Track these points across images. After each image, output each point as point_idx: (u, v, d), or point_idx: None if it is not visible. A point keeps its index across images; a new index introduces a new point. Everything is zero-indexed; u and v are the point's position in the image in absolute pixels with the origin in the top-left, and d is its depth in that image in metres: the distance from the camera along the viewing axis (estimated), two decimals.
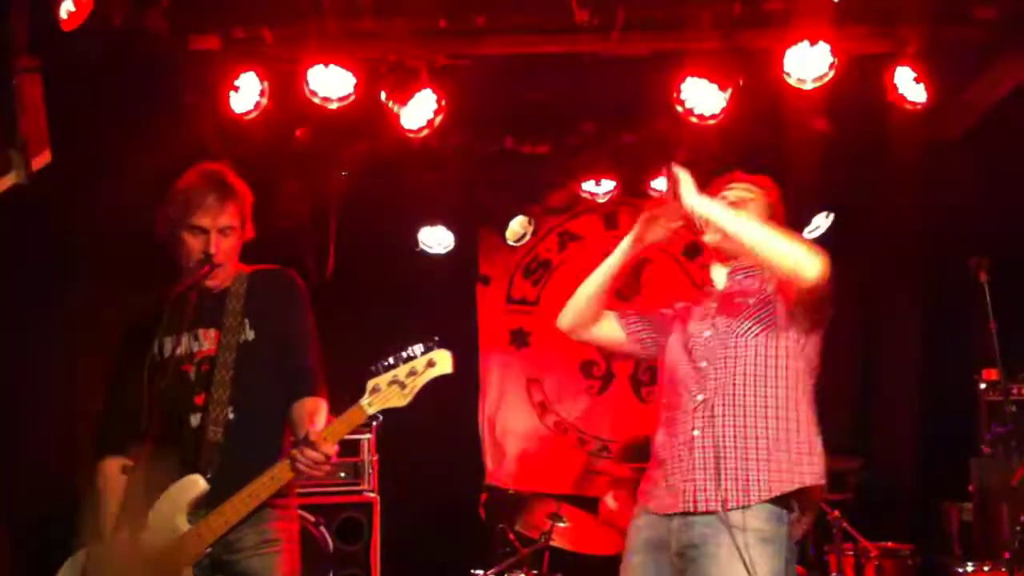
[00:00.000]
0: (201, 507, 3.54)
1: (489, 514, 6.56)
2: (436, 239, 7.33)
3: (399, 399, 3.52)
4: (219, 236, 3.69)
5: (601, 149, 6.71)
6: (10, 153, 4.70)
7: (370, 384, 3.53)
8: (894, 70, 5.59)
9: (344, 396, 3.68)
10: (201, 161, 3.96)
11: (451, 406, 7.46)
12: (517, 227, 7.37)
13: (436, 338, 3.59)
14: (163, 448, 3.35)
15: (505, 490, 7.23)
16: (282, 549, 3.64)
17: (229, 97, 5.59)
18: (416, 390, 3.54)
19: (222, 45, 5.62)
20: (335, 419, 3.55)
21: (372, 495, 6.33)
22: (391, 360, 3.55)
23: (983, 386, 6.04)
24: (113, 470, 3.65)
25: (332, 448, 3.48)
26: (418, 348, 3.55)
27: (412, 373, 3.53)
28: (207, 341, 3.69)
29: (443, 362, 3.56)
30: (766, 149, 6.40)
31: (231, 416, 3.62)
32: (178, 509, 3.52)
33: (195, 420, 3.63)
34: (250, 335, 3.71)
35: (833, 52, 5.34)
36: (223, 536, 3.51)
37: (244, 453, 3.58)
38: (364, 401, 3.52)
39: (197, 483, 3.53)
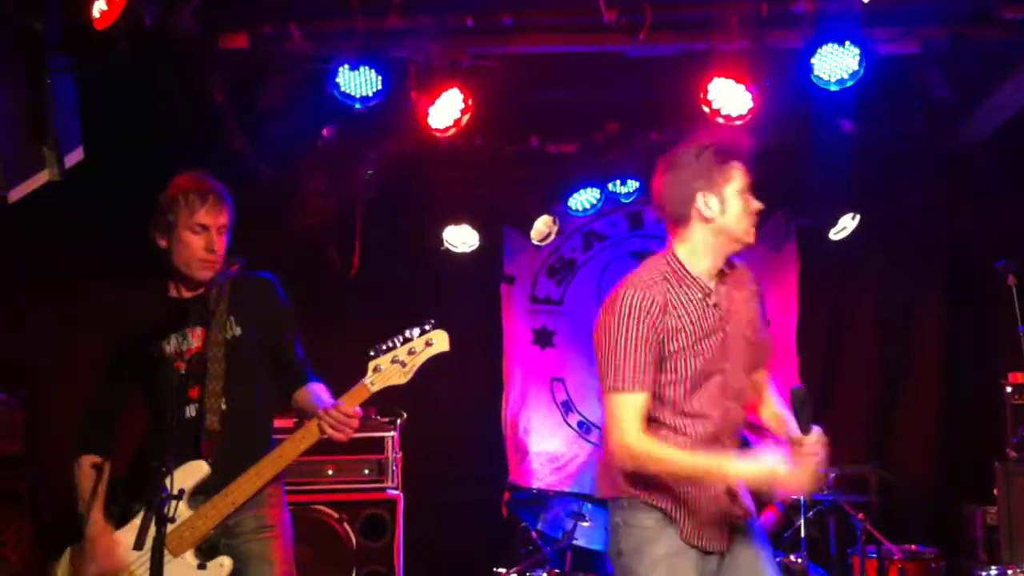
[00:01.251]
0: (201, 492, 3.72)
1: (512, 512, 6.58)
2: (461, 238, 7.34)
3: (400, 377, 3.76)
4: (218, 234, 3.88)
5: (627, 149, 6.70)
6: (44, 150, 4.75)
7: (371, 364, 3.76)
8: (920, 72, 5.58)
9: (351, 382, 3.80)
10: (231, 158, 4.06)
11: (475, 404, 7.49)
12: (542, 226, 7.37)
13: (433, 320, 3.81)
14: (161, 441, 3.50)
15: (528, 489, 7.25)
16: (278, 535, 3.85)
17: (258, 95, 5.63)
18: (416, 368, 3.77)
19: (251, 43, 5.66)
20: (341, 397, 3.77)
21: (396, 492, 6.35)
22: (390, 342, 3.77)
23: (1009, 389, 6.01)
24: (90, 465, 3.84)
25: (355, 408, 3.70)
26: (416, 330, 3.78)
27: (411, 352, 3.76)
28: (195, 339, 3.85)
29: (440, 341, 3.79)
30: (793, 150, 6.40)
31: (225, 406, 3.78)
32: (182, 496, 3.61)
33: (190, 411, 3.80)
34: (237, 331, 3.89)
35: (861, 53, 5.33)
36: (225, 519, 3.72)
37: (240, 440, 3.79)
38: (367, 380, 3.75)
39: (202, 468, 3.71)
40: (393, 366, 3.75)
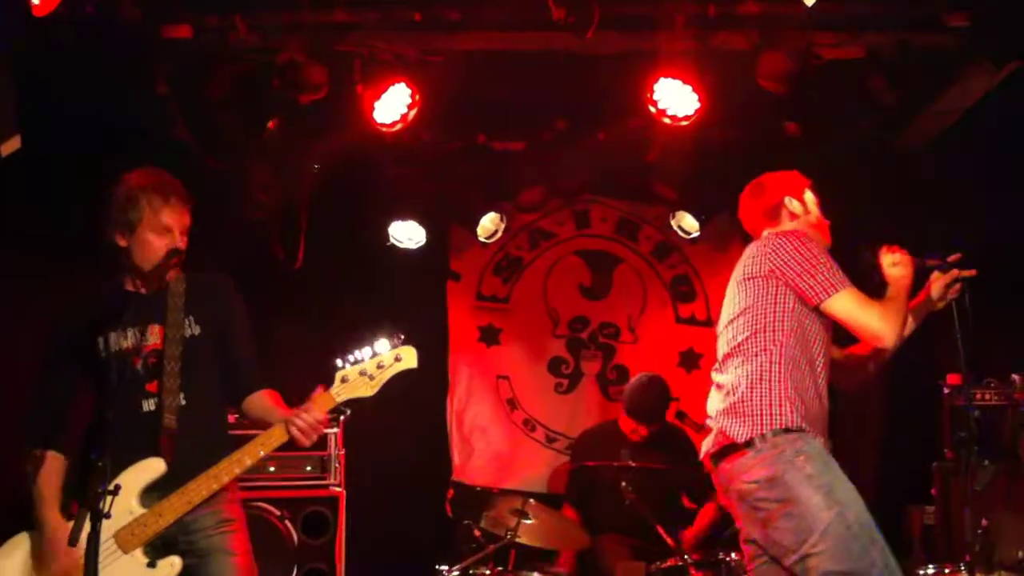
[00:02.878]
0: (155, 489, 3.70)
1: (455, 510, 6.57)
2: (407, 234, 7.31)
3: (366, 389, 3.79)
4: (181, 236, 3.88)
5: (574, 147, 6.70)
6: None
7: (339, 375, 3.78)
8: (863, 76, 5.64)
9: (310, 385, 3.85)
10: (174, 151, 4.02)
11: (419, 402, 7.45)
12: (489, 223, 7.36)
13: (402, 336, 3.83)
14: (117, 434, 3.45)
15: (472, 486, 7.24)
16: (237, 528, 3.86)
17: (201, 87, 5.58)
18: (383, 382, 3.80)
19: (194, 34, 5.60)
20: (306, 403, 3.78)
21: (338, 489, 6.31)
22: (359, 354, 3.79)
23: (947, 391, 6.09)
24: (42, 460, 3.80)
25: (323, 415, 3.75)
26: (386, 344, 3.80)
27: (380, 366, 3.79)
28: (152, 336, 3.83)
29: (409, 358, 3.83)
30: (738, 149, 6.43)
31: (183, 402, 3.78)
32: (131, 491, 3.66)
33: (148, 405, 3.78)
34: (196, 330, 3.89)
35: (805, 57, 5.38)
36: (180, 518, 3.69)
37: (196, 438, 3.79)
38: (333, 390, 3.77)
39: (158, 466, 3.70)
40: (360, 378, 3.77)
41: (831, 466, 3.90)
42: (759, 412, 3.90)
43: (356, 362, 3.77)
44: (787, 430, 3.87)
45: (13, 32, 4.72)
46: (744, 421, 3.92)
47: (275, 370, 4.06)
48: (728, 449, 3.98)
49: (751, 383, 3.95)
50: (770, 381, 3.93)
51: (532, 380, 7.81)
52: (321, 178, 6.83)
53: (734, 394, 3.99)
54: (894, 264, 4.14)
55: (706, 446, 4.12)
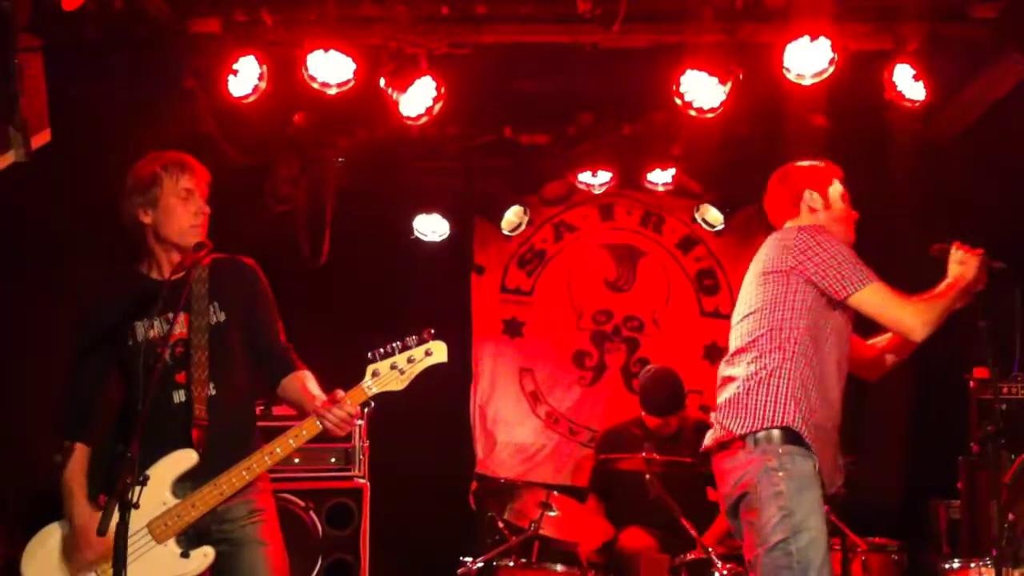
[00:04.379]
0: (187, 480, 3.73)
1: (479, 502, 6.58)
2: (431, 227, 7.33)
3: (397, 383, 3.79)
4: (202, 198, 3.90)
5: (599, 140, 6.70)
6: (9, 131, 4.70)
7: (370, 368, 3.78)
8: (893, 67, 5.61)
9: (337, 378, 3.86)
10: (201, 145, 4.04)
11: (443, 394, 7.46)
12: (513, 216, 7.37)
13: (432, 330, 3.84)
14: (147, 426, 3.45)
15: (495, 479, 7.26)
16: (268, 518, 3.88)
17: (228, 81, 5.59)
18: (413, 376, 3.81)
19: (222, 28, 5.61)
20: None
21: (362, 481, 6.33)
22: (390, 348, 3.80)
23: (973, 384, 6.06)
24: (71, 451, 3.83)
25: (356, 408, 3.75)
26: (415, 338, 3.81)
27: (410, 360, 3.80)
28: (178, 324, 3.82)
29: (439, 352, 3.84)
30: (764, 142, 6.42)
31: (212, 392, 3.80)
32: (164, 483, 3.69)
33: (178, 396, 3.80)
34: (221, 316, 3.90)
35: (833, 48, 5.36)
36: (212, 509, 3.71)
37: (227, 428, 3.81)
38: (365, 383, 3.77)
39: (190, 457, 3.72)
40: (391, 372, 3.78)
41: (806, 493, 3.84)
42: (760, 408, 3.90)
43: (387, 355, 3.78)
44: (786, 429, 3.86)
45: (43, 26, 4.75)
46: (744, 415, 3.93)
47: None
48: (724, 444, 3.99)
49: (759, 379, 3.94)
50: (779, 378, 3.91)
51: (556, 373, 7.82)
52: (346, 172, 6.85)
53: (740, 388, 3.99)
54: (960, 262, 4.07)
55: (707, 439, 4.13)
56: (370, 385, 3.76)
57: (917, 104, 5.64)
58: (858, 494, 6.48)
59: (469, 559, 5.80)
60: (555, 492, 5.94)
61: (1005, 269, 4.17)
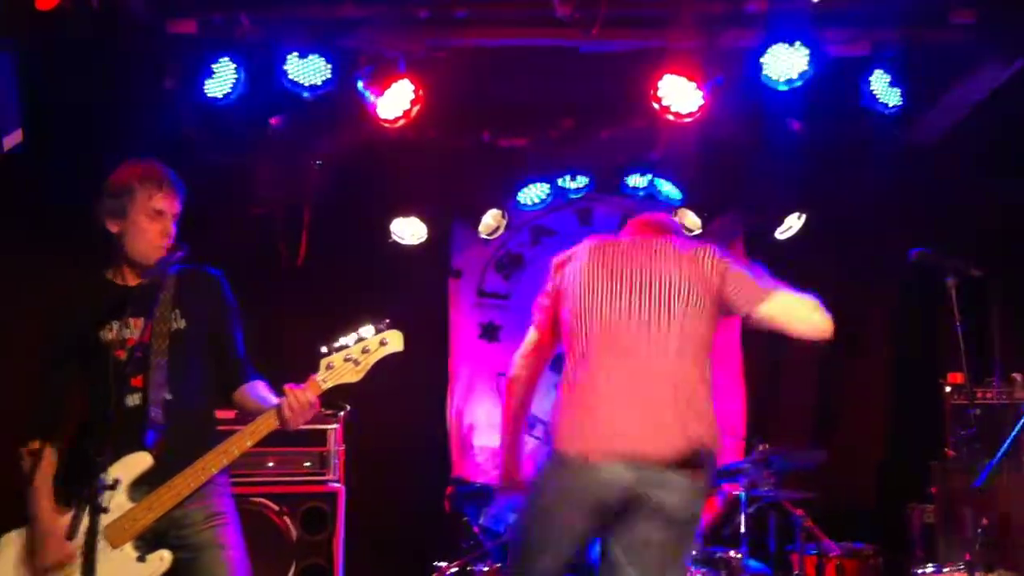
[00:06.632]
0: (144, 483, 3.68)
1: (454, 507, 6.56)
2: (409, 230, 7.30)
3: (352, 375, 3.78)
4: (172, 221, 3.88)
5: (578, 145, 6.70)
6: None
7: (323, 361, 3.77)
8: (869, 74, 5.64)
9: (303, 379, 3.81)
10: (179, 145, 4.02)
11: (419, 398, 7.46)
12: (491, 220, 7.36)
13: (388, 320, 3.82)
14: (102, 429, 3.48)
15: (471, 483, 7.23)
16: (228, 521, 3.84)
17: (205, 82, 5.56)
18: (369, 367, 3.80)
19: (199, 29, 5.59)
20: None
21: (337, 485, 6.30)
22: (344, 340, 3.78)
23: (948, 389, 6.09)
24: (40, 453, 3.77)
25: (314, 396, 3.73)
26: (371, 328, 3.80)
27: (365, 351, 3.78)
28: (136, 329, 3.79)
29: (395, 341, 3.82)
30: (743, 147, 6.43)
31: (168, 396, 3.77)
32: (120, 486, 3.63)
33: (133, 400, 3.76)
34: (181, 324, 3.87)
35: (810, 54, 5.38)
36: (170, 511, 3.68)
37: (183, 431, 3.76)
38: (319, 376, 3.76)
39: (144, 459, 3.68)
40: (346, 364, 3.76)
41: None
42: None
43: (341, 348, 3.76)
44: None
45: (17, 26, 4.71)
46: None
47: (275, 367, 4.04)
48: None
49: None
50: None
51: None
52: (324, 174, 6.83)
53: None
54: None
55: None
56: (324, 378, 3.75)
57: (892, 110, 5.67)
58: (834, 499, 6.53)
59: (443, 564, 5.78)
60: None
61: (982, 276, 4.18)
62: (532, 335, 4.18)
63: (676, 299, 3.84)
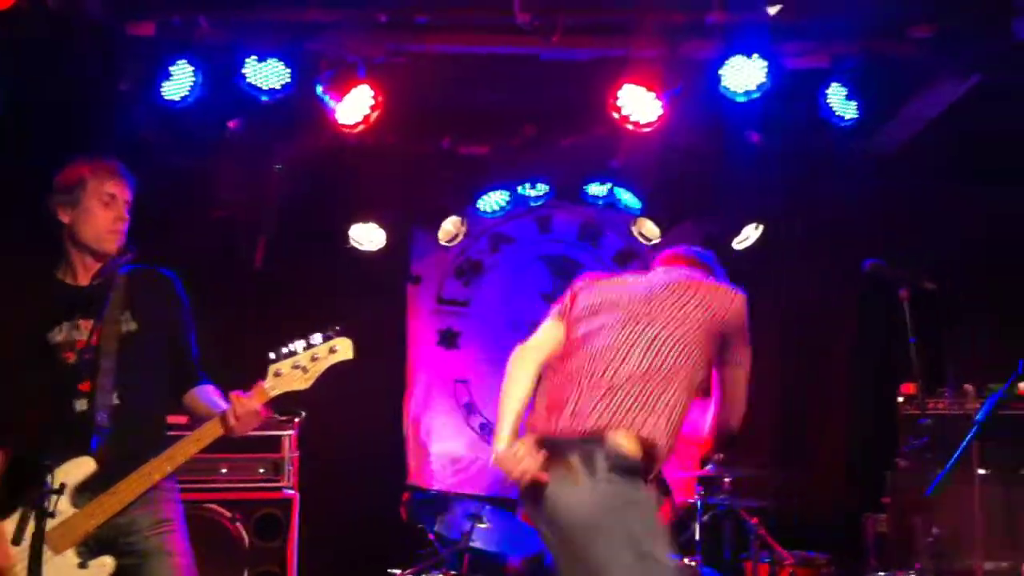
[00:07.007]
0: (88, 489, 3.63)
1: (410, 514, 6.54)
2: (367, 236, 7.28)
3: (301, 383, 3.76)
4: (124, 207, 3.84)
5: (538, 152, 6.71)
6: None
7: (271, 368, 3.74)
8: (826, 86, 5.69)
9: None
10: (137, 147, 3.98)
11: (376, 404, 7.43)
12: (450, 227, 7.35)
13: (338, 327, 3.80)
14: (47, 433, 3.45)
15: (427, 490, 7.22)
16: (175, 528, 3.80)
17: (162, 84, 5.53)
18: (318, 375, 3.77)
19: (158, 31, 5.55)
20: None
21: (291, 492, 6.25)
22: (293, 346, 3.75)
23: (901, 400, 6.15)
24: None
25: (260, 403, 3.69)
26: (319, 336, 3.77)
27: (314, 359, 3.76)
28: (85, 331, 3.74)
29: (344, 349, 3.79)
30: (702, 158, 6.47)
31: (116, 401, 3.71)
32: (65, 491, 3.56)
33: (80, 405, 3.70)
34: (132, 326, 3.82)
35: (768, 66, 5.43)
36: (113, 518, 3.63)
37: (129, 437, 3.71)
38: (267, 384, 3.73)
39: (88, 464, 3.62)
40: (294, 371, 3.74)
41: None
42: None
43: (289, 355, 3.74)
44: None
45: None
46: None
47: (234, 369, 4.01)
48: None
49: None
50: None
51: (491, 384, 7.78)
52: (285, 178, 6.79)
53: None
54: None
55: None
56: (272, 385, 3.72)
57: (849, 123, 5.73)
58: (791, 508, 6.57)
59: (398, 571, 5.77)
60: (486, 504, 5.92)
61: (935, 289, 4.22)
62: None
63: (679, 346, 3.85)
